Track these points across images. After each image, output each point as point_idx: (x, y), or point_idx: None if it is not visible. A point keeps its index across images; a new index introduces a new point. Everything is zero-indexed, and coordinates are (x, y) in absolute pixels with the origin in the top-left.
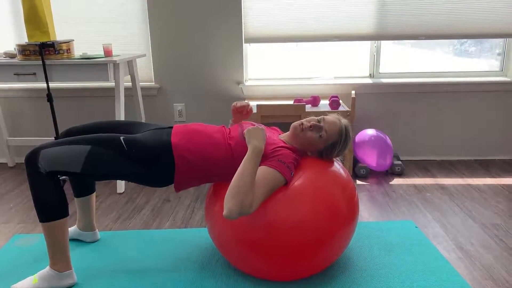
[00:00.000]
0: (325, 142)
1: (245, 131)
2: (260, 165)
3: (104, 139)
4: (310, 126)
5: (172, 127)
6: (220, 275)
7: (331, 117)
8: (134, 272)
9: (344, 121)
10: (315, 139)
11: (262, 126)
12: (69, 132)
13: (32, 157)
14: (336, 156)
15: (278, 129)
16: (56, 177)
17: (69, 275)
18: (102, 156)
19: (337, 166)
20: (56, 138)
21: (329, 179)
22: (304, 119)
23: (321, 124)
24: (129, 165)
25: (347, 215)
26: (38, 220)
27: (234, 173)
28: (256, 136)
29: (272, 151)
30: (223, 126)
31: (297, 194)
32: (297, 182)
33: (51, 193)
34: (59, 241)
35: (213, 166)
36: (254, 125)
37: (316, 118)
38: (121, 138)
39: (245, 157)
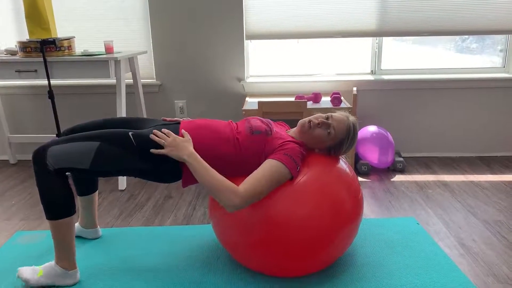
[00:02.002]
0: (333, 139)
1: (167, 151)
2: (267, 158)
3: (112, 134)
4: (318, 123)
5: (179, 123)
6: (223, 272)
7: (339, 114)
8: (136, 269)
9: (352, 118)
10: (323, 136)
11: (269, 121)
12: (73, 131)
13: (40, 155)
14: (343, 153)
15: (285, 124)
16: (63, 175)
17: (74, 274)
18: (111, 152)
19: (342, 163)
20: (58, 135)
21: (334, 176)
22: (312, 116)
23: (329, 121)
24: (138, 161)
25: (352, 213)
26: (40, 217)
27: (241, 168)
28: (179, 147)
29: (280, 145)
30: (231, 121)
31: (302, 192)
32: (302, 179)
33: (58, 191)
34: (66, 239)
35: (221, 161)
36: (261, 120)
37: (324, 115)
38: (130, 133)
39: (192, 170)
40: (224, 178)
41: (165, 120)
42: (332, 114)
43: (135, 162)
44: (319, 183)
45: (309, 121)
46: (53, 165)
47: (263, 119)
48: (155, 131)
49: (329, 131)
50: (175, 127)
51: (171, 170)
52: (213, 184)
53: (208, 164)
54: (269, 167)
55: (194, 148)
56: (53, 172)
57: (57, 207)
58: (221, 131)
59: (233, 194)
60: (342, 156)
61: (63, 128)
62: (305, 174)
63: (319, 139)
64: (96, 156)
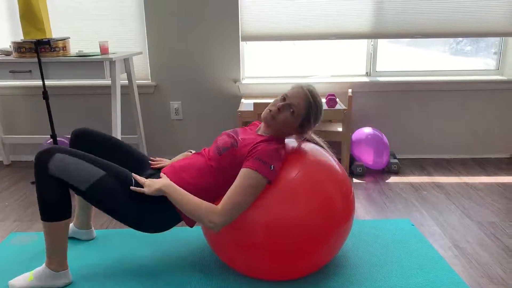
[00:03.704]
0: (299, 116)
1: (146, 190)
2: (242, 168)
3: (119, 172)
4: (279, 109)
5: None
6: (216, 275)
7: (293, 90)
8: (129, 271)
9: (306, 86)
10: (289, 119)
11: (236, 130)
12: (81, 133)
13: (44, 157)
14: (316, 123)
15: (259, 122)
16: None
17: (65, 275)
18: (110, 186)
19: (334, 163)
20: (52, 136)
21: (325, 177)
22: (270, 105)
23: (287, 101)
24: (132, 205)
25: (344, 213)
26: (34, 218)
27: (227, 189)
28: (156, 182)
29: (248, 151)
30: (203, 149)
31: (293, 193)
32: (293, 180)
33: (56, 194)
34: (59, 242)
35: (207, 193)
36: (227, 134)
37: (279, 97)
38: (132, 174)
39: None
40: (202, 200)
41: (152, 161)
42: (287, 92)
43: (129, 205)
44: (310, 184)
45: (270, 111)
46: (54, 172)
47: (229, 132)
48: (134, 187)
49: (292, 110)
50: (157, 176)
51: (167, 216)
52: (192, 209)
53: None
54: (241, 178)
55: None
56: (52, 176)
57: (53, 209)
58: (198, 167)
59: (212, 214)
60: (318, 136)
61: (57, 129)
62: (295, 175)
63: (286, 123)
64: (95, 183)
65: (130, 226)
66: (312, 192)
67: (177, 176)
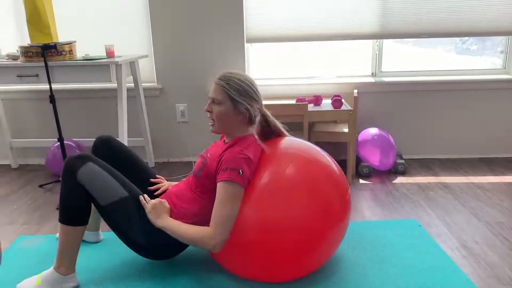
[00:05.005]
0: (226, 102)
1: (150, 218)
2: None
3: (138, 196)
4: (209, 111)
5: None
6: (215, 276)
7: (213, 86)
8: (136, 274)
9: (218, 76)
10: (223, 111)
11: (207, 148)
12: (106, 140)
13: (77, 162)
14: (246, 96)
15: None
16: None
17: (72, 278)
18: (128, 209)
19: (332, 163)
20: (59, 139)
21: (322, 176)
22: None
23: (210, 100)
24: (142, 235)
25: (340, 212)
26: (42, 222)
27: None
28: (157, 211)
29: (217, 165)
30: (192, 174)
31: (289, 194)
32: (291, 179)
33: (78, 199)
34: (71, 246)
35: (203, 213)
36: (201, 154)
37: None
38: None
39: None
40: (194, 227)
41: (153, 182)
42: (209, 95)
43: (140, 231)
44: (306, 185)
45: (210, 118)
46: (81, 179)
47: (202, 153)
48: (143, 202)
49: (217, 103)
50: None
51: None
52: (188, 238)
53: (193, 223)
54: (219, 193)
55: (173, 215)
56: (78, 182)
57: (73, 213)
58: (187, 194)
59: (206, 238)
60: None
61: (64, 133)
62: (291, 174)
63: (225, 116)
64: (116, 202)
65: (135, 250)
66: (309, 194)
67: (173, 203)
